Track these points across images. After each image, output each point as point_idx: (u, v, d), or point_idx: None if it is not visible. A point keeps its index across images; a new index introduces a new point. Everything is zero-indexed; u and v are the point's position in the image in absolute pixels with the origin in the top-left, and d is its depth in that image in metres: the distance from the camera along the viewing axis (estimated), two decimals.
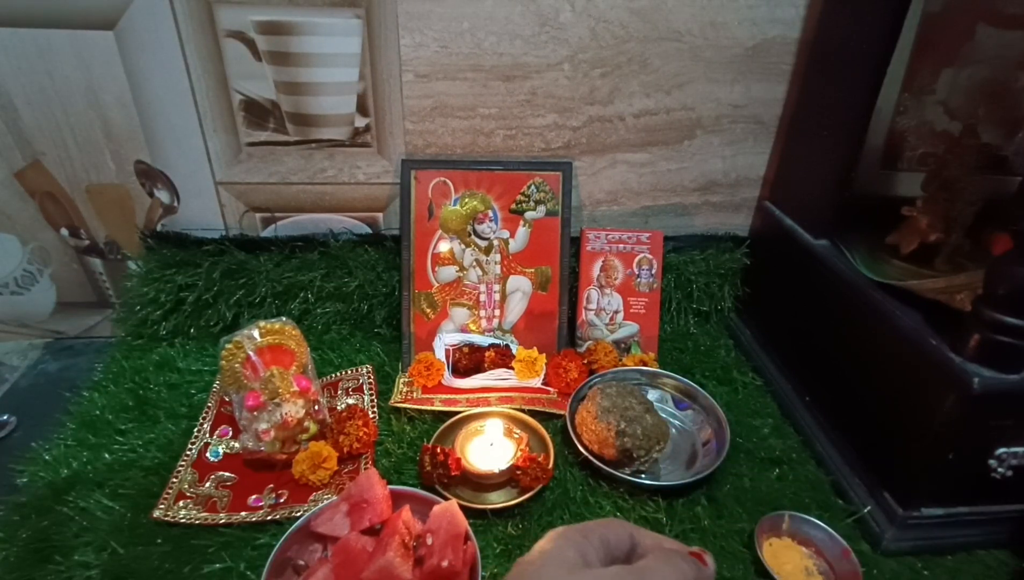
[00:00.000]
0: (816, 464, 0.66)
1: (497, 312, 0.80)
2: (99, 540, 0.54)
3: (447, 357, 0.77)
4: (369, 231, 0.85)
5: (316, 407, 0.65)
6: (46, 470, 0.61)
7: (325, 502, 0.55)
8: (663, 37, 0.76)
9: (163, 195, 0.80)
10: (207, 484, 0.61)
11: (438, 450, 0.60)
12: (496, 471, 0.60)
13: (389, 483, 0.55)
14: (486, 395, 0.73)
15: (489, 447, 0.63)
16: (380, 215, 0.85)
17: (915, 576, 0.55)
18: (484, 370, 0.76)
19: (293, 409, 0.62)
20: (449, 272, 0.79)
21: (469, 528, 0.51)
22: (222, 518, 0.56)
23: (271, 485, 0.61)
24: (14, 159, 0.75)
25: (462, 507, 0.54)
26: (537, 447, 0.65)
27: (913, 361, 0.56)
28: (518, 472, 0.60)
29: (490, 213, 0.79)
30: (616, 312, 0.81)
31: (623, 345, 0.81)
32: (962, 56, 0.74)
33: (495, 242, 0.79)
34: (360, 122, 0.78)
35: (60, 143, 0.75)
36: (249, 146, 0.78)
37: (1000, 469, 0.54)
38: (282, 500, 0.59)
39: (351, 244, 0.83)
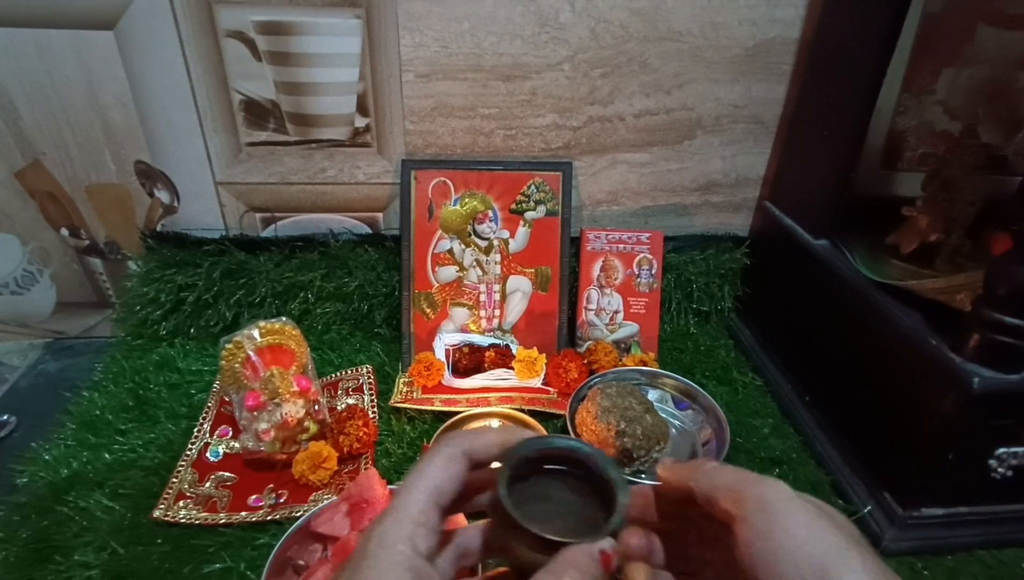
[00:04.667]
0: (816, 464, 0.66)
1: (497, 312, 0.80)
2: (99, 540, 0.54)
3: (447, 357, 0.77)
4: (369, 231, 0.85)
5: (316, 407, 0.65)
6: (46, 470, 0.61)
7: (325, 502, 0.55)
8: (663, 37, 0.76)
9: (163, 195, 0.80)
10: (207, 484, 0.61)
11: None
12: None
13: (389, 483, 0.55)
14: (486, 395, 0.72)
15: None
16: (380, 215, 0.85)
17: (915, 576, 0.55)
18: (484, 370, 0.76)
19: (293, 409, 0.62)
20: (449, 272, 0.79)
21: None
22: (222, 518, 0.56)
23: (271, 485, 0.60)
24: (14, 159, 0.75)
25: None
26: None
27: (913, 361, 0.56)
28: None
29: (490, 213, 0.79)
30: (616, 312, 0.81)
31: (623, 345, 0.81)
32: (962, 56, 0.74)
33: (495, 242, 0.79)
34: (360, 122, 0.78)
35: (60, 143, 0.75)
36: (249, 146, 0.78)
37: (1000, 469, 0.54)
38: (282, 500, 0.59)
39: (351, 244, 0.82)
